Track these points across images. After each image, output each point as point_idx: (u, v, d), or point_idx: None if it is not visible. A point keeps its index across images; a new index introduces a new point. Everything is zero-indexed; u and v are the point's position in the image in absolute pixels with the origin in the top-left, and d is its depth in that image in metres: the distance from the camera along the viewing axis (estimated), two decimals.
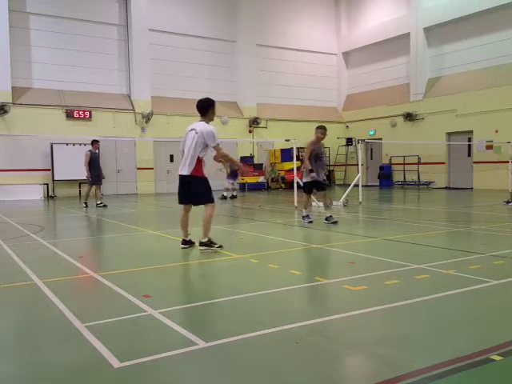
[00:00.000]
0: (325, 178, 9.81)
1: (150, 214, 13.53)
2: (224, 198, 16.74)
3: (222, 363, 2.89)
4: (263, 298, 4.29)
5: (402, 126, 23.82)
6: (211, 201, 6.62)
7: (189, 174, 6.47)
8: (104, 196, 18.45)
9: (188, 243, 6.85)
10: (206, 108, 6.59)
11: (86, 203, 14.32)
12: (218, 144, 6.51)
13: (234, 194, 17.28)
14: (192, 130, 6.59)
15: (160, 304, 4.06)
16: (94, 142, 14.52)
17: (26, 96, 19.47)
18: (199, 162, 6.49)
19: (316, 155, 9.41)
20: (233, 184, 17.19)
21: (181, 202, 6.78)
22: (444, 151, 22.14)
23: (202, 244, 6.59)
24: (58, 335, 3.44)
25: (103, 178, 14.85)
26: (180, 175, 6.61)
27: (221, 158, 6.68)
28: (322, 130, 9.40)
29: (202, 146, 6.45)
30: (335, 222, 9.32)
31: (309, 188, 9.63)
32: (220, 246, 6.57)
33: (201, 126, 6.53)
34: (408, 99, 23.59)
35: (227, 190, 17.10)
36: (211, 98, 6.76)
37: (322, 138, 9.45)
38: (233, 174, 16.89)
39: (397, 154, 23.77)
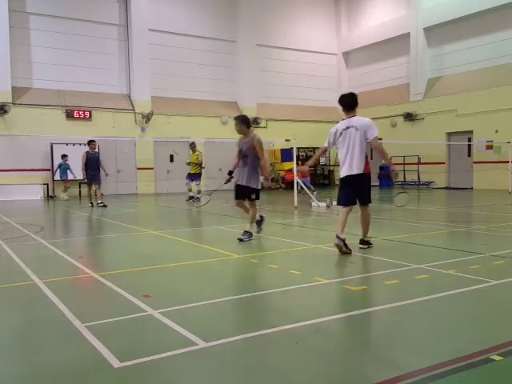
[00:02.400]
0: (260, 185, 7.59)
1: (150, 214, 13.53)
2: (192, 198, 15.78)
3: (222, 363, 2.89)
4: (263, 297, 4.29)
5: (401, 125, 23.82)
6: (370, 201, 6.46)
7: (361, 172, 6.21)
8: (104, 196, 18.47)
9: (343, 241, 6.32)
10: (355, 102, 6.37)
11: (91, 203, 14.68)
12: (375, 137, 6.20)
13: (198, 196, 15.76)
14: (349, 127, 6.26)
15: (160, 304, 4.06)
16: (90, 143, 14.86)
17: (26, 96, 19.47)
18: (367, 159, 6.33)
19: (239, 153, 7.60)
20: (198, 185, 16.02)
21: (348, 202, 6.38)
22: (444, 151, 22.14)
23: (363, 242, 6.57)
24: (58, 335, 3.44)
25: (106, 176, 14.98)
26: (347, 176, 6.29)
27: (379, 152, 6.44)
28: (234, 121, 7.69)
29: (365, 142, 6.20)
30: (240, 240, 7.30)
31: (235, 194, 7.66)
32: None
33: (359, 120, 6.27)
34: (408, 99, 23.59)
35: (190, 190, 16.12)
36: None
37: (238, 132, 7.56)
38: (197, 175, 15.95)
39: (397, 154, 23.74)
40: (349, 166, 6.26)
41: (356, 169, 6.22)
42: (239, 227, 9.67)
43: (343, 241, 6.12)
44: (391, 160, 6.23)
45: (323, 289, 4.61)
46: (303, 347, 3.11)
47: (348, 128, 6.27)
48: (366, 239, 6.59)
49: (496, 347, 2.99)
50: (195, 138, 21.33)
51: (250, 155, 7.38)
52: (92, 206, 14.49)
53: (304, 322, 3.55)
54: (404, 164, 23.50)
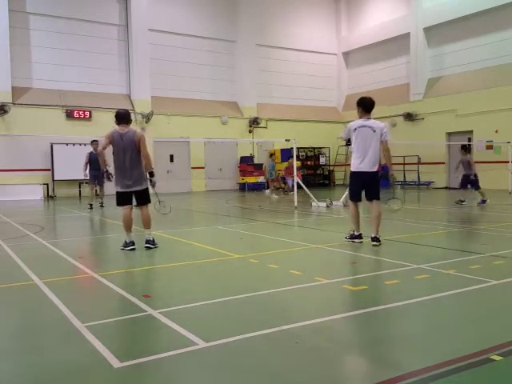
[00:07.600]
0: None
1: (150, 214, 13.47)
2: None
3: (222, 363, 2.89)
4: (263, 297, 4.29)
5: (401, 125, 23.80)
6: (379, 198, 6.92)
7: (374, 170, 6.72)
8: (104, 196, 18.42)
9: (359, 237, 6.97)
10: (373, 106, 7.01)
11: (91, 204, 13.93)
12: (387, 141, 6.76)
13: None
14: (365, 126, 6.73)
15: (160, 304, 4.06)
16: (93, 142, 14.44)
17: (26, 96, 19.45)
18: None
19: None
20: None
21: (356, 198, 6.93)
22: (444, 151, 22.15)
23: (375, 239, 6.74)
24: (58, 335, 3.44)
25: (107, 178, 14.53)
26: (362, 172, 6.73)
27: (387, 154, 6.85)
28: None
29: (379, 143, 6.73)
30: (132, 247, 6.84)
31: (118, 200, 7.28)
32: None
33: (375, 123, 6.80)
34: (408, 99, 23.58)
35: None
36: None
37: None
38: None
39: (397, 154, 23.73)
40: (364, 162, 6.69)
41: (370, 166, 6.69)
42: (239, 227, 9.68)
43: (358, 236, 6.91)
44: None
45: (323, 289, 4.61)
46: (303, 347, 3.11)
47: (363, 127, 6.73)
48: (378, 236, 6.79)
49: (496, 347, 2.99)
50: (195, 137, 21.36)
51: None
52: (91, 208, 13.74)
53: (304, 321, 3.55)
54: (404, 164, 23.49)
